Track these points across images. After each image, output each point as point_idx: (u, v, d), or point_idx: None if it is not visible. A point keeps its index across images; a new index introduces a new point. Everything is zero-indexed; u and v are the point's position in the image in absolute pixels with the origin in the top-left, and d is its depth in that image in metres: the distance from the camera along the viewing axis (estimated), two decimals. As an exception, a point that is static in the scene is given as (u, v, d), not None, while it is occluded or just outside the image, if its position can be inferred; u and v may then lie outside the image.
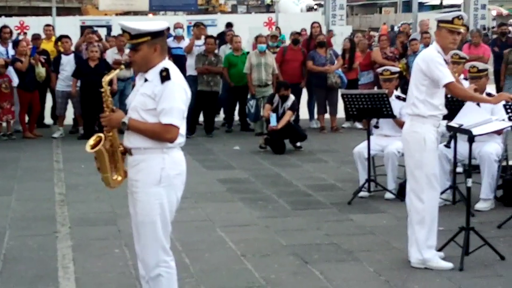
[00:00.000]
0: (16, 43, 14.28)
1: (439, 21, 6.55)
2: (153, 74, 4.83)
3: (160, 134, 4.78)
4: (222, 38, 16.69)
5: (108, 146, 4.93)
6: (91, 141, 4.97)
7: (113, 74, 5.17)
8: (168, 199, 4.89)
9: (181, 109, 4.81)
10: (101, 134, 4.96)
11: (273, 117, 12.53)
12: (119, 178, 5.02)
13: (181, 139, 4.89)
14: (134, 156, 4.90)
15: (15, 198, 9.30)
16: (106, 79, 5.01)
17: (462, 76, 9.62)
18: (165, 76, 4.77)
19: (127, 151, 4.97)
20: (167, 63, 4.90)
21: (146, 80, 4.86)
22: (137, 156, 4.89)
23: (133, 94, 5.01)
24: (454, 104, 8.00)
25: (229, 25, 19.69)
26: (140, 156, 4.87)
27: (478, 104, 7.91)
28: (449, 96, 7.57)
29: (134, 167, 4.91)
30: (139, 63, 4.89)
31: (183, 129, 4.89)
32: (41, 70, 14.07)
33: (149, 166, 4.84)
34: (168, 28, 21.88)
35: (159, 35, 4.88)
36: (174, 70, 4.85)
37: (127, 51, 14.59)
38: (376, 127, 9.49)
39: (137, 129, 4.83)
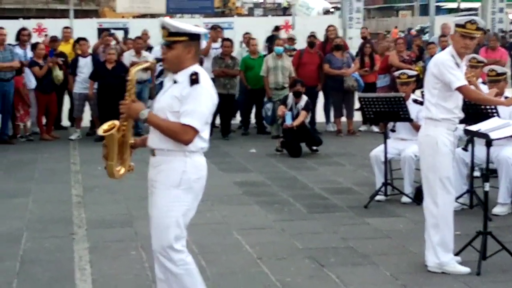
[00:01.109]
0: (34, 46, 14.33)
1: (455, 25, 6.54)
2: (183, 77, 4.84)
3: (177, 134, 4.78)
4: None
5: (120, 135, 4.95)
6: (105, 125, 5.00)
7: (141, 66, 5.18)
8: (185, 204, 4.89)
9: (204, 113, 4.81)
10: (116, 122, 4.98)
11: (288, 115, 12.53)
12: (122, 170, 5.05)
13: (203, 144, 4.91)
14: (157, 157, 4.92)
15: (32, 200, 9.34)
16: (133, 70, 5.04)
17: (480, 80, 9.59)
18: (194, 79, 4.79)
19: (136, 147, 5.02)
20: (198, 68, 4.91)
21: (175, 81, 4.88)
22: (159, 157, 4.91)
23: (160, 94, 5.01)
24: (471, 108, 7.97)
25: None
26: (162, 157, 4.89)
27: (497, 113, 7.90)
28: (467, 99, 7.55)
29: (155, 167, 4.93)
30: (171, 61, 4.91)
31: (206, 134, 4.90)
32: (58, 73, 14.11)
33: (171, 168, 4.85)
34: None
35: (196, 38, 4.90)
36: (204, 75, 4.86)
37: (144, 53, 14.67)
38: (393, 130, 9.47)
39: (155, 124, 4.84)
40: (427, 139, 6.53)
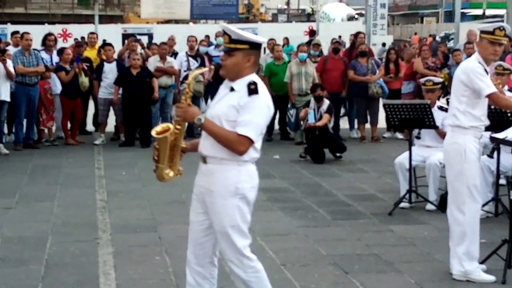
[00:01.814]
0: (61, 51, 14.42)
1: (481, 32, 6.50)
2: (241, 85, 4.81)
3: (233, 144, 4.74)
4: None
5: (172, 138, 4.93)
6: (158, 127, 4.97)
7: (201, 70, 5.20)
8: (243, 211, 4.89)
9: (260, 125, 4.78)
10: (170, 125, 4.95)
11: (311, 114, 12.54)
12: (171, 173, 5.03)
13: (256, 154, 4.87)
14: (209, 165, 4.89)
15: (57, 204, 9.40)
16: (193, 74, 5.07)
17: (506, 87, 9.53)
18: (253, 89, 4.76)
19: (187, 151, 5.02)
20: (256, 77, 4.88)
21: (232, 89, 4.85)
22: (212, 165, 4.87)
23: (215, 101, 4.97)
24: (497, 115, 7.93)
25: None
26: (215, 166, 4.85)
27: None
28: (492, 107, 7.51)
29: (208, 176, 4.89)
30: (229, 68, 4.86)
31: (259, 145, 4.87)
32: (84, 80, 14.17)
33: (226, 177, 4.82)
34: (208, 36, 22.06)
35: (256, 48, 4.87)
36: (261, 85, 4.84)
37: (169, 59, 14.71)
38: (418, 137, 9.43)
39: (211, 131, 4.80)
40: (455, 146, 6.48)
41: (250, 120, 4.71)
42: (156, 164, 4.99)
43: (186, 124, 5.14)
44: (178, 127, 4.94)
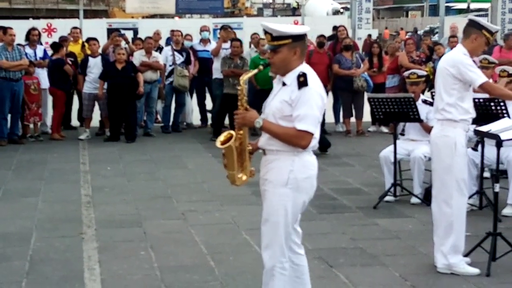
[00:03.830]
0: (57, 46, 14.53)
1: (484, 29, 6.45)
2: (291, 78, 4.84)
3: (294, 139, 4.80)
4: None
5: (237, 144, 4.97)
6: (222, 137, 5.00)
7: (251, 73, 5.15)
8: (294, 202, 4.92)
9: (316, 116, 4.80)
10: (232, 132, 4.98)
11: None
12: (244, 177, 5.07)
13: (314, 142, 4.90)
14: (267, 156, 4.97)
15: (42, 200, 9.36)
16: (243, 77, 5.03)
17: (491, 80, 9.56)
18: (302, 81, 4.77)
19: (254, 151, 5.05)
20: (305, 67, 4.89)
21: (284, 84, 4.88)
22: (269, 156, 4.95)
23: (271, 98, 5.02)
24: (481, 109, 7.95)
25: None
26: (272, 156, 4.93)
27: (507, 114, 7.87)
28: (476, 100, 7.54)
29: (265, 166, 4.97)
30: (278, 65, 4.91)
31: (317, 134, 4.89)
32: None
33: (279, 167, 4.88)
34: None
35: (300, 39, 4.88)
36: (311, 75, 4.85)
37: (154, 53, 14.67)
38: (402, 134, 9.44)
39: (270, 131, 4.87)
40: (445, 139, 6.46)
41: (305, 113, 4.75)
42: (227, 171, 5.06)
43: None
44: (241, 132, 4.98)
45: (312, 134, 4.81)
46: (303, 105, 4.76)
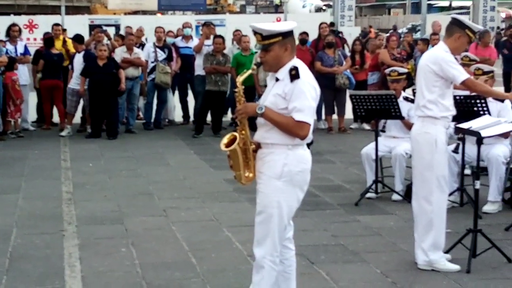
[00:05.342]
0: (50, 42, 14.73)
1: (468, 28, 6.48)
2: (284, 73, 4.94)
3: (293, 129, 4.89)
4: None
5: (241, 144, 5.04)
6: (225, 139, 5.09)
7: (246, 74, 5.17)
8: (287, 195, 5.00)
9: (311, 107, 4.92)
10: (235, 133, 5.07)
11: None
12: (251, 175, 5.12)
13: (310, 134, 5.00)
14: (262, 149, 5.05)
15: (22, 196, 9.32)
16: (239, 79, 5.11)
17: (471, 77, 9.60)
18: (294, 74, 4.88)
19: (258, 149, 5.10)
20: (296, 61, 4.99)
21: (277, 79, 4.96)
22: (264, 149, 5.03)
23: (265, 94, 5.11)
24: (461, 106, 7.98)
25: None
26: (267, 150, 5.01)
27: (488, 111, 7.91)
28: (457, 97, 7.57)
29: (261, 159, 5.05)
30: (270, 63, 5.00)
31: (313, 124, 5.00)
32: None
33: (273, 160, 4.97)
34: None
35: (289, 35, 4.98)
36: (302, 68, 4.96)
37: (136, 50, 14.62)
38: (383, 131, 9.46)
39: (272, 118, 4.93)
40: (426, 136, 6.47)
41: (301, 105, 4.86)
42: (234, 172, 5.12)
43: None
44: (243, 132, 5.06)
45: (309, 125, 4.91)
46: (298, 97, 4.86)
